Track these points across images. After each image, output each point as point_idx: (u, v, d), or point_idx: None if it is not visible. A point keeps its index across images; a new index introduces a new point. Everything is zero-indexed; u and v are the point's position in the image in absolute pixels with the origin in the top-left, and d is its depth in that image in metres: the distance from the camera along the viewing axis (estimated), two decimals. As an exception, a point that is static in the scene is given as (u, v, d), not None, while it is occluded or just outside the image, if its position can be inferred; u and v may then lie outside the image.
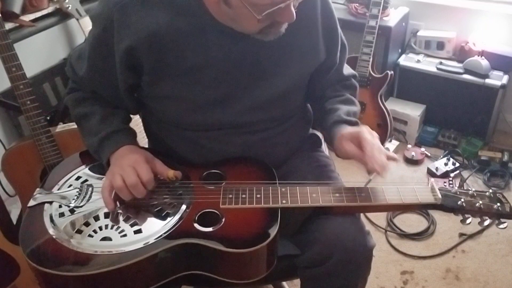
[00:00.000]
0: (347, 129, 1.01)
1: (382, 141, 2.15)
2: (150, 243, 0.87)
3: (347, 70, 1.17)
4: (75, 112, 1.08)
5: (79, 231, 0.90)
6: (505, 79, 2.12)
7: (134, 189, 0.92)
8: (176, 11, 0.91)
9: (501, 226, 0.95)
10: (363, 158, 0.94)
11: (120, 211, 0.94)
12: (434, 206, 0.96)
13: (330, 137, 1.06)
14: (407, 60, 2.31)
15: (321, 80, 1.12)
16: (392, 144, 2.30)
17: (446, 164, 2.14)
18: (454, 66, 2.21)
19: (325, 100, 1.13)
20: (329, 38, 1.05)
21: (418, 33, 2.34)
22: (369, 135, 0.96)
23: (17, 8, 1.66)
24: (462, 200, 0.95)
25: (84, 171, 1.05)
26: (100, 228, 0.91)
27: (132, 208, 0.94)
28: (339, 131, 1.02)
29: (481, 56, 2.14)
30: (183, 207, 0.94)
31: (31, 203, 0.96)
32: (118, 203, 0.94)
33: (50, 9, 1.82)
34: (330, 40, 1.05)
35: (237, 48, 0.95)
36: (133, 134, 1.06)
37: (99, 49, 0.97)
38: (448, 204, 0.95)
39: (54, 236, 0.88)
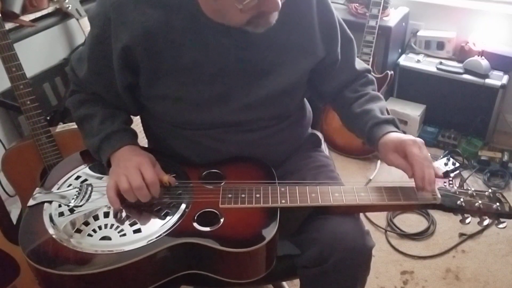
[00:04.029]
0: (390, 137, 0.98)
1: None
2: (149, 242, 0.87)
3: (360, 64, 1.14)
4: (76, 114, 1.08)
5: (79, 231, 0.90)
6: (505, 79, 2.12)
7: (139, 191, 0.92)
8: (171, 9, 0.91)
9: (501, 225, 0.95)
10: (410, 172, 0.93)
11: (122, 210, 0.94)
12: (433, 206, 0.96)
13: (371, 140, 1.04)
14: (407, 60, 2.31)
15: (328, 76, 1.10)
16: (392, 144, 2.30)
17: (446, 164, 2.14)
18: (454, 66, 2.21)
19: (349, 102, 1.10)
20: (327, 34, 1.04)
21: (418, 33, 2.33)
22: (416, 148, 0.93)
23: (17, 8, 1.66)
24: (462, 199, 0.95)
25: (83, 170, 1.05)
26: (100, 228, 0.91)
27: (132, 207, 0.94)
28: (380, 133, 1.01)
29: (481, 56, 2.13)
30: (183, 206, 0.94)
31: (31, 202, 0.96)
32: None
33: (50, 9, 1.82)
34: (328, 36, 1.04)
35: (233, 46, 0.95)
36: (134, 134, 1.06)
37: (98, 49, 0.97)
38: (448, 204, 0.95)
39: (53, 236, 0.88)
